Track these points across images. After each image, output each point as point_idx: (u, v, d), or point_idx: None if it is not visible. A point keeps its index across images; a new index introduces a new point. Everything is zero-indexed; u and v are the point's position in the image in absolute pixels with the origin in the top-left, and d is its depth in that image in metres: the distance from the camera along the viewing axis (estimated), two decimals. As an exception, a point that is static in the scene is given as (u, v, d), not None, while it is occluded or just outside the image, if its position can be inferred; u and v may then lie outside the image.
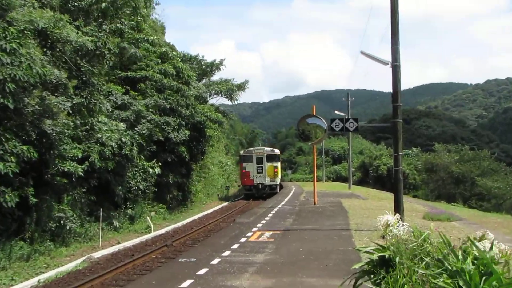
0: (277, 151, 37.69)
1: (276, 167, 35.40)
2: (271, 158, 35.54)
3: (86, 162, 13.61)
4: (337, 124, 15.19)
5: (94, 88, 13.93)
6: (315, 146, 19.34)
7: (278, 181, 35.79)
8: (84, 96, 13.67)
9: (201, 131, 25.27)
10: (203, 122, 24.61)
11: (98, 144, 14.35)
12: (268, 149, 37.84)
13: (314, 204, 19.65)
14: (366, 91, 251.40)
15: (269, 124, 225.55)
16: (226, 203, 30.46)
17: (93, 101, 13.91)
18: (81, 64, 13.48)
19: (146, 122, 18.95)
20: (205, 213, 23.87)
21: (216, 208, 27.06)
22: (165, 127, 20.33)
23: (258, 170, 34.68)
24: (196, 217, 21.77)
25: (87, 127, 14.21)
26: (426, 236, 3.34)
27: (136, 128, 18.24)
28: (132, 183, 17.64)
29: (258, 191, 34.78)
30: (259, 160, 35.08)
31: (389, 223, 3.55)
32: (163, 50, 23.08)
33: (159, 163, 19.27)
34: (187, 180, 25.87)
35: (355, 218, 14.57)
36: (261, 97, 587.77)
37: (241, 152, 38.08)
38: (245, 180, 34.94)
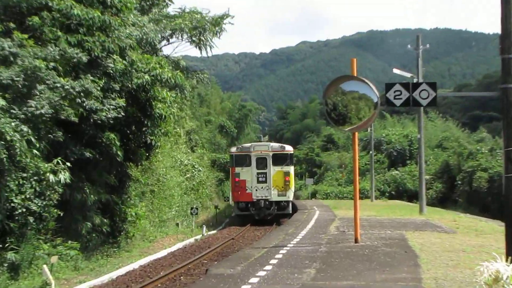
0: (289, 148, 40.36)
1: (287, 173, 38.30)
2: (280, 159, 38.43)
3: None
4: (398, 93, 15.56)
5: None
6: (356, 134, 19.27)
7: (290, 195, 38.76)
8: None
9: (146, 104, 25.36)
10: (148, 87, 24.76)
11: None
12: (276, 145, 40.57)
13: (356, 241, 19.66)
14: (450, 31, 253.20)
15: (271, 94, 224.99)
16: (191, 240, 30.90)
17: None
18: None
19: (47, 90, 19.02)
20: (153, 257, 24.05)
21: (175, 248, 27.30)
22: (82, 98, 20.40)
23: (260, 178, 38.08)
24: (135, 265, 21.93)
25: None
26: None
27: (27, 106, 18.40)
28: (16, 201, 17.59)
29: (259, 211, 37.97)
30: (261, 163, 38.17)
31: (499, 276, 3.50)
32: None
33: (67, 164, 19.46)
34: (119, 197, 25.90)
35: (433, 267, 14.46)
36: (256, 46, 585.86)
37: (233, 149, 40.85)
38: (238, 194, 38.25)
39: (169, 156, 40.53)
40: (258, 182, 38.08)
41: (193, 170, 47.85)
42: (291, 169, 39.55)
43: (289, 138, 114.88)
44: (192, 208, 38.07)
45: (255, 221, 38.16)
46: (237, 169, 38.35)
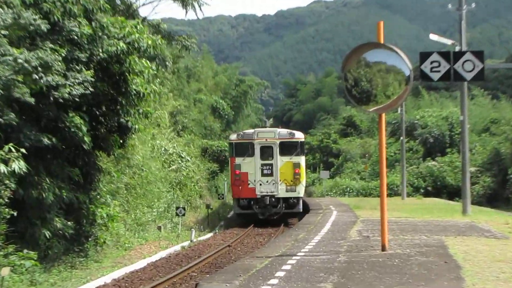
0: (299, 135, 41.73)
1: (297, 165, 39.94)
2: (289, 148, 40.03)
3: None
4: (436, 65, 15.72)
5: None
6: (384, 116, 19.15)
7: (301, 191, 40.40)
8: None
9: (120, 79, 25.30)
10: (122, 57, 24.68)
11: None
12: (283, 131, 41.98)
13: (383, 249, 19.61)
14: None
15: (277, 66, 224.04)
16: (177, 247, 30.86)
17: None
18: None
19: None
20: (129, 269, 24.04)
21: (156, 257, 27.31)
22: (39, 74, 20.28)
23: (265, 171, 39.77)
24: (107, 278, 21.89)
25: None
26: None
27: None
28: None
29: (264, 209, 39.52)
30: (266, 152, 39.80)
31: None
32: None
33: (21, 152, 19.50)
34: (86, 194, 25.80)
35: (480, 281, 14.34)
36: (257, 6, 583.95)
37: (233, 137, 42.47)
38: (239, 190, 39.82)
39: (149, 143, 40.68)
40: (263, 175, 39.32)
41: (180, 161, 48.15)
42: (302, 159, 40.57)
43: (299, 121, 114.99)
44: (178, 208, 37.86)
45: (259, 221, 39.08)
46: (238, 160, 39.60)
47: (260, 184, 39.27)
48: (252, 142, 39.62)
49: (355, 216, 34.11)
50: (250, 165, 39.34)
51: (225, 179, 62.06)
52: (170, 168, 45.41)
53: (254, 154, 39.45)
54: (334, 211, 37.74)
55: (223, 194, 57.11)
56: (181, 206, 38.56)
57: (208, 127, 70.29)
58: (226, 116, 76.15)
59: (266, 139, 39.68)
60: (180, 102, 59.61)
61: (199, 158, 57.58)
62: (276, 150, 39.47)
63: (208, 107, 73.06)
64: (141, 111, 27.21)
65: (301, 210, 40.20)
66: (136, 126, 27.48)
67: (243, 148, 39.73)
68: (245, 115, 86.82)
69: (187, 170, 49.27)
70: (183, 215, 38.32)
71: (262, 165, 39.37)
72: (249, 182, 39.28)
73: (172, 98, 55.69)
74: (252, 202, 39.46)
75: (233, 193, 41.46)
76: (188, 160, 50.25)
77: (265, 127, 55.04)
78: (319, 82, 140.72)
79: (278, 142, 39.64)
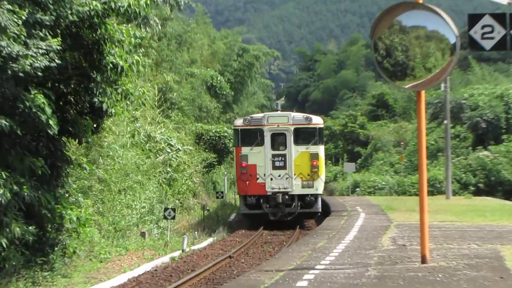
0: (317, 120, 42.76)
1: (315, 156, 40.96)
2: (305, 136, 41.25)
3: None
4: (489, 30, 15.85)
5: None
6: (423, 95, 19.14)
7: (320, 187, 41.41)
8: None
9: (93, 49, 25.17)
10: (95, 21, 24.51)
11: None
12: (299, 116, 43.08)
13: (423, 260, 19.63)
14: None
15: (289, 32, 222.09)
16: (165, 259, 30.84)
17: None
18: None
19: None
20: (104, 286, 24.15)
21: (139, 270, 27.27)
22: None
23: (277, 163, 40.99)
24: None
25: None
26: None
27: None
28: None
29: (276, 209, 41.02)
30: (279, 141, 40.96)
31: None
32: None
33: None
34: (51, 192, 25.54)
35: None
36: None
37: (238, 122, 43.37)
38: (246, 185, 41.13)
39: (129, 127, 40.81)
40: (274, 168, 40.50)
41: (168, 150, 48.32)
42: (321, 149, 41.51)
43: (317, 100, 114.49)
44: (166, 210, 37.41)
45: (269, 223, 39.96)
46: (244, 150, 40.66)
47: (271, 179, 40.14)
48: (262, 128, 40.41)
49: (387, 219, 34.30)
50: (259, 156, 40.21)
51: (226, 172, 62.99)
52: (157, 159, 45.36)
53: (263, 143, 40.29)
54: (362, 213, 38.00)
55: (222, 192, 57.47)
56: (170, 207, 38.04)
57: (204, 108, 70.30)
58: (224, 95, 76.22)
59: (278, 125, 40.61)
60: (171, 77, 59.52)
61: (193, 146, 57.40)
62: (290, 138, 40.30)
63: (202, 83, 72.72)
64: (120, 90, 26.81)
65: (320, 211, 41.25)
66: (113, 110, 26.94)
67: (251, 136, 40.54)
68: (249, 94, 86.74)
69: (178, 161, 49.36)
70: (173, 218, 37.70)
71: (274, 156, 40.24)
72: (257, 177, 40.16)
73: (159, 72, 56.22)
74: (261, 200, 40.24)
75: (238, 189, 42.23)
76: (179, 149, 50.31)
77: (276, 110, 55.15)
78: (342, 51, 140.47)
79: (292, 128, 40.44)
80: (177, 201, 46.02)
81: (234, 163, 44.01)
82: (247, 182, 40.19)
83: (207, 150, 61.05)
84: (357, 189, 67.04)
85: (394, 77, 18.54)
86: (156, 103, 53.05)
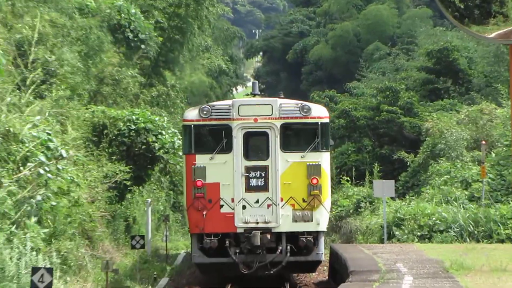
0: (319, 111, 35.92)
1: (316, 169, 34.09)
2: (300, 136, 35.26)
3: None
4: None
5: None
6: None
7: (322, 221, 34.55)
8: None
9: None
10: None
11: None
12: (289, 104, 36.05)
13: None
14: None
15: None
16: None
17: None
18: None
19: None
20: None
21: None
22: None
23: (252, 181, 34.05)
24: None
25: None
26: None
27: None
28: None
29: (251, 256, 33.51)
30: (256, 144, 35.03)
31: None
32: None
33: None
34: None
35: None
36: None
37: (191, 114, 36.14)
38: (202, 217, 34.06)
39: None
40: (249, 189, 32.85)
41: (43, 158, 34.90)
42: (325, 158, 33.80)
43: (325, 61, 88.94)
44: (35, 272, 27.13)
45: (241, 279, 33.71)
46: (200, 160, 33.06)
47: (244, 207, 32.47)
48: (229, 124, 32.77)
49: (456, 288, 25.88)
50: (224, 170, 32.64)
51: (149, 199, 48.35)
52: (15, 177, 33.20)
53: (231, 149, 32.57)
54: (407, 277, 29.56)
55: (142, 237, 42.05)
56: (42, 267, 28.54)
57: (107, 75, 51.23)
58: (147, 50, 56.09)
59: (256, 119, 32.77)
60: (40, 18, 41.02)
61: (85, 149, 42.02)
62: (275, 141, 32.57)
63: (102, 23, 51.19)
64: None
65: (322, 259, 34.55)
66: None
67: (212, 136, 33.79)
68: (196, 49, 68.44)
69: (58, 178, 36.00)
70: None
71: (248, 169, 32.69)
72: (222, 203, 32.52)
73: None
74: (227, 242, 32.34)
75: (190, 224, 34.34)
76: (63, 156, 36.22)
77: (254, 95, 40.97)
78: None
79: (278, 124, 32.77)
80: (55, 253, 33.21)
81: (183, 181, 36.02)
82: (204, 212, 32.46)
83: (114, 157, 44.58)
84: (399, 230, 47.94)
85: (469, 19, 16.76)
86: (16, 71, 38.62)
